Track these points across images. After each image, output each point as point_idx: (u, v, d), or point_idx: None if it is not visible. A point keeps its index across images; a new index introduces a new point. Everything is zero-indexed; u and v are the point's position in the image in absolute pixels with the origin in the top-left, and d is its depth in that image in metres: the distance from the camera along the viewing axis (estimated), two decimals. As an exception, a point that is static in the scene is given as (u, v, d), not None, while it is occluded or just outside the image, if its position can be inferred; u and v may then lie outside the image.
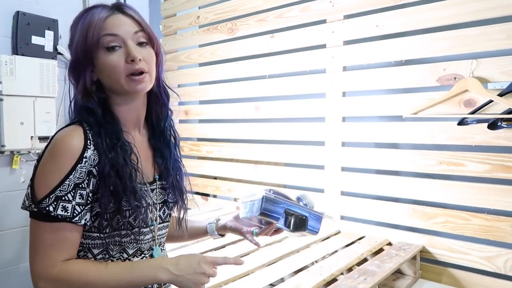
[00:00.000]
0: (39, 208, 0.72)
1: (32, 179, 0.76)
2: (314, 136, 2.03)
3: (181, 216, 0.96)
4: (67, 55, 2.35)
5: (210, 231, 1.06)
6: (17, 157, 2.18)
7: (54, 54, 2.29)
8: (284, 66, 2.13)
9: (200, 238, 1.09)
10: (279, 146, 2.18)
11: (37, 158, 0.78)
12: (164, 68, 0.92)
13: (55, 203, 0.72)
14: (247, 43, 2.29)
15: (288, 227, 0.96)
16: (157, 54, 0.85)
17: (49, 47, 2.26)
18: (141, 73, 0.79)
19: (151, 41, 0.82)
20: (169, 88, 0.93)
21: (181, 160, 0.97)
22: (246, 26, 2.30)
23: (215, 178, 2.55)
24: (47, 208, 0.72)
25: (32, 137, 2.19)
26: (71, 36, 0.81)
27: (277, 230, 1.00)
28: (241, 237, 1.69)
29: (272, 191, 0.96)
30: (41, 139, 2.23)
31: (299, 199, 1.01)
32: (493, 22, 1.50)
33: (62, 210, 0.73)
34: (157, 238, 0.90)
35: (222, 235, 1.07)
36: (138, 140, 0.87)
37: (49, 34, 2.26)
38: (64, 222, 0.74)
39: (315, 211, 1.00)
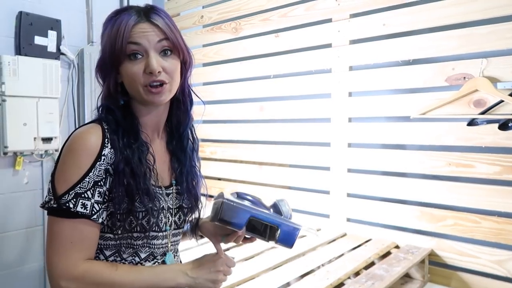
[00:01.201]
0: (59, 204, 0.73)
1: (53, 175, 0.76)
2: (320, 137, 2.00)
3: (194, 223, 0.96)
4: (70, 55, 2.34)
5: (189, 233, 0.98)
6: (20, 158, 2.16)
7: (57, 54, 2.28)
8: (289, 66, 2.11)
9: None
10: (284, 147, 2.16)
11: (56, 156, 0.80)
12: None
13: (74, 199, 0.73)
14: (252, 43, 2.27)
15: (261, 235, 0.86)
16: (185, 62, 0.85)
17: (52, 48, 2.25)
18: (161, 84, 0.79)
19: (176, 49, 0.81)
20: (196, 95, 0.93)
21: (199, 166, 0.96)
22: (250, 26, 2.27)
23: (219, 179, 2.53)
24: (67, 204, 0.73)
25: (35, 138, 2.17)
26: (102, 34, 0.82)
27: (251, 238, 0.91)
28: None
29: (237, 195, 0.87)
30: (44, 140, 2.21)
31: (274, 205, 0.88)
32: (503, 20, 1.47)
33: (81, 207, 0.73)
34: (171, 244, 0.89)
35: (201, 236, 1.00)
36: (156, 144, 0.88)
37: (52, 34, 2.25)
38: (84, 218, 0.74)
39: (290, 222, 0.86)
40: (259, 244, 1.47)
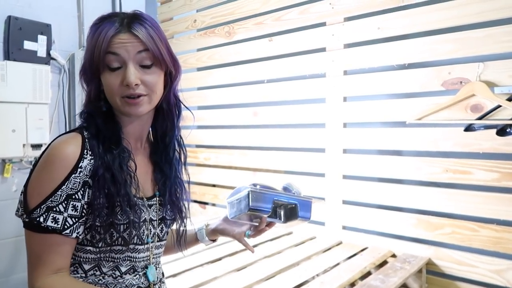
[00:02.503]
0: (30, 218, 0.71)
1: (26, 186, 0.74)
2: (314, 142, 1.96)
3: (180, 234, 0.93)
4: (61, 60, 2.30)
5: (200, 238, 1.01)
6: (8, 165, 2.12)
7: (47, 59, 2.24)
8: (283, 71, 2.07)
9: (193, 247, 1.04)
10: (278, 153, 2.12)
11: (32, 163, 0.76)
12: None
13: (45, 213, 0.70)
14: (245, 47, 2.23)
15: (280, 218, 0.93)
16: (169, 73, 0.82)
17: (42, 52, 2.21)
18: (139, 96, 0.76)
19: (157, 61, 0.78)
20: (184, 105, 0.90)
21: (188, 177, 0.94)
22: (244, 30, 2.24)
23: (214, 185, 2.48)
24: (38, 219, 0.70)
25: (24, 144, 2.13)
26: (86, 38, 0.80)
27: (270, 224, 0.95)
28: (238, 249, 1.67)
29: (257, 185, 0.92)
30: (34, 146, 2.17)
31: (285, 188, 0.97)
32: (500, 24, 1.43)
33: (52, 222, 0.70)
34: (153, 257, 0.86)
35: (214, 240, 1.03)
36: (139, 153, 0.85)
37: (42, 39, 2.21)
38: (54, 234, 0.71)
39: (304, 197, 0.97)
40: (251, 254, 1.44)
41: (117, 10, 2.63)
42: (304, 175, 2.01)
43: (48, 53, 2.24)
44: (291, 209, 0.94)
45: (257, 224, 0.94)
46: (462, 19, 1.50)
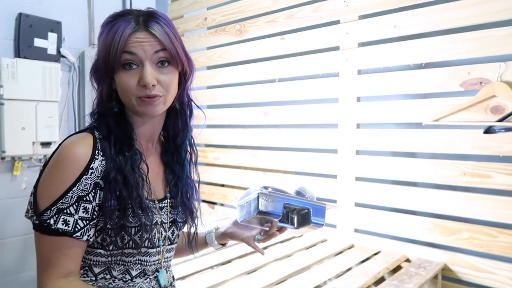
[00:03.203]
0: (40, 220, 0.69)
1: (36, 187, 0.72)
2: (327, 143, 1.92)
3: (191, 237, 0.91)
4: (71, 57, 2.29)
5: (209, 241, 0.99)
6: (18, 163, 2.11)
7: (58, 57, 2.23)
8: (295, 69, 2.03)
9: (202, 250, 1.02)
10: (289, 153, 2.08)
11: (43, 163, 0.75)
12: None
13: (56, 215, 0.69)
14: (256, 45, 2.20)
15: (292, 223, 0.90)
16: (184, 73, 0.80)
17: (52, 50, 2.20)
18: (155, 96, 0.74)
19: (174, 60, 0.76)
20: (196, 105, 0.88)
21: (198, 178, 0.92)
22: (255, 28, 2.20)
23: (223, 185, 2.46)
24: (48, 221, 0.69)
25: (34, 142, 2.12)
26: (98, 37, 0.77)
27: (281, 229, 0.93)
28: (248, 251, 1.64)
29: (269, 188, 0.89)
30: (43, 144, 2.16)
31: (298, 192, 0.94)
32: (523, 22, 1.38)
33: (63, 224, 0.69)
34: (164, 260, 0.85)
35: (223, 244, 1.01)
36: (150, 154, 0.84)
37: (52, 36, 2.20)
38: (65, 236, 0.70)
39: (317, 202, 0.92)
40: (262, 256, 1.41)
41: (128, 7, 2.61)
42: (316, 176, 1.97)
43: (58, 51, 2.23)
44: (303, 215, 0.91)
45: (267, 228, 0.91)
46: (482, 17, 1.45)
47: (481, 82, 1.45)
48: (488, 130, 1.44)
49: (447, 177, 1.55)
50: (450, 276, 1.56)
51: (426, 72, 1.60)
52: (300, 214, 0.91)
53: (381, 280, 1.45)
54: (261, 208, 0.84)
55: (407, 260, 1.65)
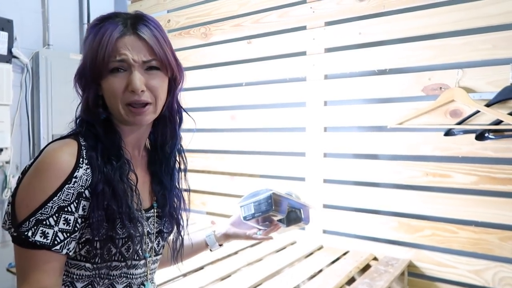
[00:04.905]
0: (18, 232, 0.65)
1: (13, 196, 0.67)
2: (295, 146, 1.95)
3: (178, 248, 0.89)
4: (24, 58, 2.15)
5: (210, 244, 1.02)
6: (-36, 171, 1.94)
7: (9, 57, 2.08)
8: (262, 74, 2.04)
9: (197, 254, 1.05)
10: (257, 157, 2.08)
11: (21, 171, 0.69)
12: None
13: (34, 227, 0.64)
14: (223, 49, 2.19)
15: (284, 222, 1.01)
16: (174, 78, 0.78)
17: (3, 50, 2.05)
18: (144, 105, 0.71)
19: (163, 66, 0.73)
20: (186, 112, 0.86)
21: (188, 188, 0.91)
22: (221, 31, 2.19)
23: (188, 190, 2.40)
24: (26, 233, 0.64)
25: (-18, 149, 1.96)
26: (85, 40, 0.74)
27: (276, 226, 1.01)
28: (219, 257, 1.62)
29: (272, 190, 0.99)
30: (-7, 151, 2.00)
31: (288, 194, 1.03)
32: (476, 32, 1.48)
33: (41, 236, 0.64)
34: (150, 273, 0.82)
35: (221, 245, 1.04)
36: (137, 162, 0.81)
37: (3, 35, 2.05)
38: (43, 250, 0.65)
39: (305, 203, 1.07)
40: (233, 261, 1.40)
41: (85, 8, 2.50)
42: (284, 179, 1.98)
43: (10, 51, 2.08)
44: (295, 214, 1.02)
45: (262, 228, 0.98)
46: (441, 27, 1.54)
47: (441, 88, 1.54)
48: (448, 133, 1.53)
49: (410, 178, 1.63)
50: (416, 272, 1.63)
51: (390, 77, 1.67)
52: (293, 213, 1.02)
53: (353, 279, 1.49)
54: (275, 207, 0.95)
55: (375, 259, 1.71)
